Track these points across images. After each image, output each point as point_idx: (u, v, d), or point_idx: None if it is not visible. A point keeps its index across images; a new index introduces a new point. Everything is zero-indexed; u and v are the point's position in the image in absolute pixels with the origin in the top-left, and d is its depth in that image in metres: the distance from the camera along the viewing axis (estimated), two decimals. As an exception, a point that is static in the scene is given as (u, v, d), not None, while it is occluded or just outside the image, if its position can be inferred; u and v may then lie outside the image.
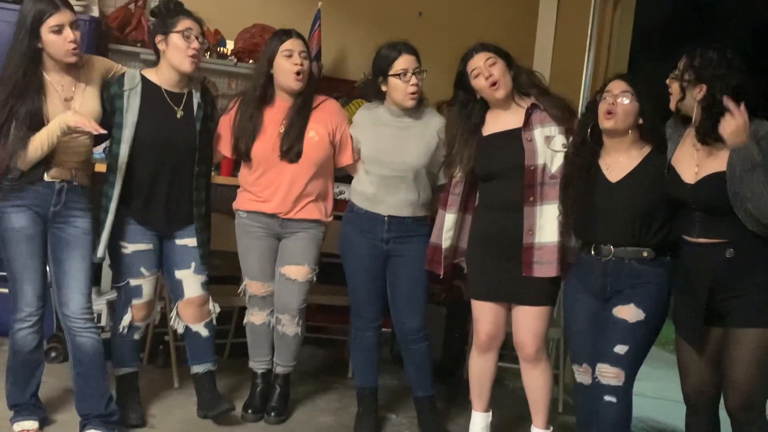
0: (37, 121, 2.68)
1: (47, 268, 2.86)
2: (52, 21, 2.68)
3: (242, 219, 3.25)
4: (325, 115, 3.20)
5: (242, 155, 3.18)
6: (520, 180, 2.88)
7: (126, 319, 3.06)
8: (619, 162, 2.73)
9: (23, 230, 2.73)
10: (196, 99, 3.05)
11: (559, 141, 2.88)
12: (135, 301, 3.05)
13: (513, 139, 2.90)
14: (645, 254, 2.68)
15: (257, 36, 4.34)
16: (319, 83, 3.67)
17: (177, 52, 2.94)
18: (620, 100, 2.66)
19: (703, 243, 2.54)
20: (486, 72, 2.89)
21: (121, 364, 3.13)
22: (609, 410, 2.71)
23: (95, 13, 4.05)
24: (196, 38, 2.95)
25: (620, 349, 2.68)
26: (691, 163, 2.57)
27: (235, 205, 3.28)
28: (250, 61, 4.33)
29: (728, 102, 2.41)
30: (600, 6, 4.11)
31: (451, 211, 3.01)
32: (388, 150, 3.13)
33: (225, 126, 3.21)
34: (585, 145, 2.77)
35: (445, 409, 3.58)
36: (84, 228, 2.83)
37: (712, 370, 2.61)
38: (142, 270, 3.03)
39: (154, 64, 3.06)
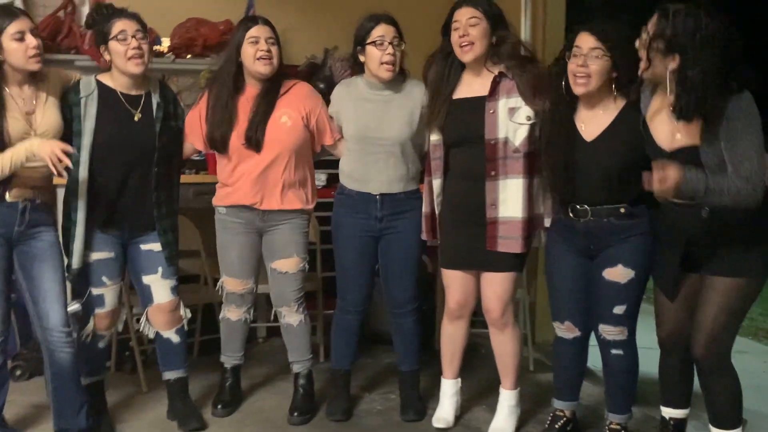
0: None
1: (19, 287, 2.81)
2: (12, 28, 2.64)
3: (221, 215, 3.18)
4: (297, 98, 3.13)
5: (218, 146, 3.09)
6: (482, 151, 2.85)
7: (88, 328, 3.01)
8: (594, 117, 2.68)
9: None
10: (155, 99, 2.98)
11: (524, 113, 2.82)
12: (97, 310, 3.00)
13: (477, 109, 2.87)
14: (622, 210, 2.67)
15: (192, 30, 4.28)
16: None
17: (118, 58, 2.87)
18: (591, 59, 2.57)
19: (680, 203, 2.52)
20: (463, 30, 2.82)
21: (87, 374, 3.07)
22: (618, 361, 2.80)
23: (23, 23, 3.95)
24: (133, 37, 2.86)
25: (619, 309, 2.72)
26: (666, 126, 2.49)
27: (214, 201, 3.21)
28: (188, 56, 4.27)
29: (649, 175, 2.34)
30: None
31: (437, 176, 2.99)
32: (372, 125, 3.08)
33: (195, 120, 3.13)
34: (561, 100, 2.70)
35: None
36: (50, 240, 2.80)
37: (687, 316, 2.63)
38: (104, 279, 2.97)
39: (101, 69, 3.00)
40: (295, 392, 3.30)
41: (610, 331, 2.76)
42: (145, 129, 2.94)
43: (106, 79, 2.96)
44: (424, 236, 3.10)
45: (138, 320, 3.75)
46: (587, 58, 2.58)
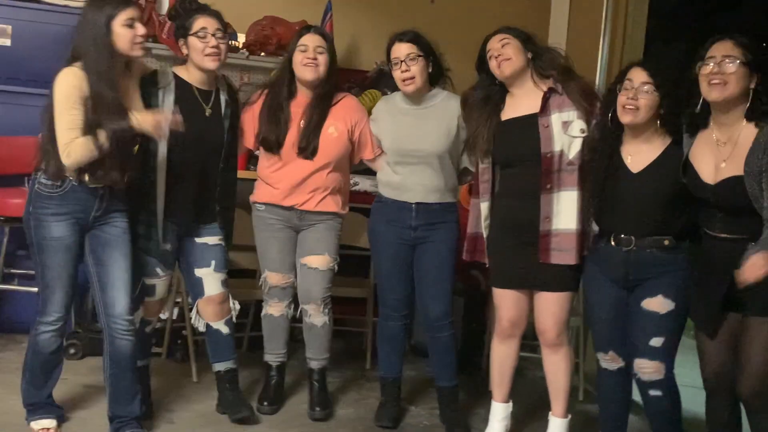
0: None
1: (87, 270, 2.85)
2: (124, 15, 2.69)
3: (260, 212, 3.25)
4: (345, 111, 3.21)
5: (272, 146, 3.17)
6: (537, 167, 2.85)
7: (138, 314, 3.04)
8: (640, 151, 2.68)
9: (63, 239, 2.72)
10: (224, 96, 3.07)
11: (577, 126, 2.83)
12: (147, 299, 3.05)
13: (530, 126, 2.87)
14: (666, 242, 2.64)
15: (268, 28, 4.32)
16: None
17: (196, 54, 2.96)
18: (641, 93, 2.60)
19: (725, 237, 2.49)
20: (497, 51, 2.87)
21: None
22: (657, 404, 2.72)
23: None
24: (213, 35, 2.94)
25: (656, 341, 2.66)
26: (711, 159, 2.50)
27: (253, 197, 3.28)
28: (262, 53, 4.32)
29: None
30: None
31: (485, 199, 2.99)
32: (409, 137, 3.13)
33: (248, 119, 3.21)
34: (606, 131, 2.73)
35: (464, 400, 3.53)
36: (123, 227, 2.84)
37: (731, 355, 2.58)
38: (158, 270, 3.02)
39: (177, 59, 3.07)
40: (311, 387, 3.33)
41: (645, 368, 2.69)
42: (215, 124, 3.02)
43: (181, 72, 3.02)
44: (464, 257, 3.10)
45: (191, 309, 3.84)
46: (637, 92, 2.60)
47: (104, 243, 2.80)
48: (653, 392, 2.71)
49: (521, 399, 3.49)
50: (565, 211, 2.84)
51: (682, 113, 2.60)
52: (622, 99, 2.63)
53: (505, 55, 2.86)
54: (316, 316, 3.26)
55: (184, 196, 2.99)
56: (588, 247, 2.86)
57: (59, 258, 2.73)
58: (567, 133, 2.83)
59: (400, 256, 3.20)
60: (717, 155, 2.50)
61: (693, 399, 2.79)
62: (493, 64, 2.90)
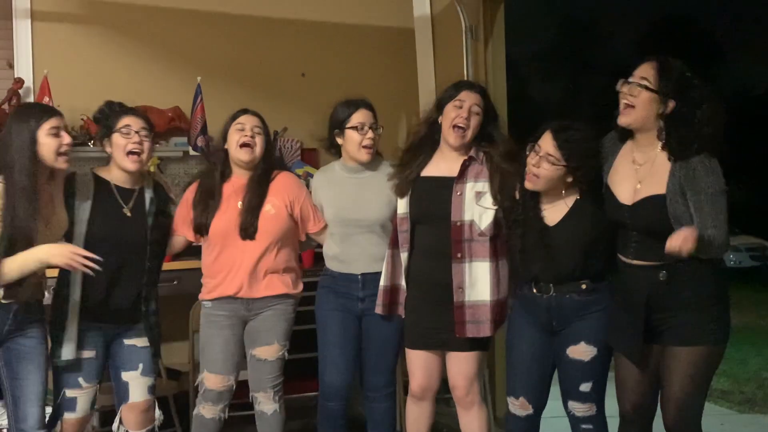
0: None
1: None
2: (49, 124, 2.65)
3: (207, 309, 3.15)
4: (281, 187, 3.17)
5: (202, 229, 3.11)
6: (447, 230, 2.88)
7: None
8: (554, 205, 2.75)
9: None
10: (149, 194, 3.00)
11: (490, 198, 2.87)
12: (67, 415, 2.89)
13: (444, 188, 2.91)
14: (583, 286, 2.71)
15: (141, 117, 4.27)
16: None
17: (118, 151, 2.91)
18: (544, 163, 2.65)
19: (638, 265, 2.59)
20: (465, 113, 2.86)
21: None
22: None
23: (-34, 117, 3.91)
24: (137, 133, 2.90)
25: (585, 386, 2.73)
26: (630, 181, 2.58)
27: (201, 296, 3.18)
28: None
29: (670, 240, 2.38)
30: (472, 48, 4.24)
31: (405, 250, 2.99)
32: (350, 206, 3.12)
33: (183, 211, 3.15)
34: (524, 189, 2.77)
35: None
36: (39, 337, 2.73)
37: (650, 386, 2.66)
38: (81, 380, 2.88)
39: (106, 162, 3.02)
40: None
41: (578, 408, 2.77)
42: (136, 223, 2.95)
43: (102, 172, 2.98)
44: (378, 310, 3.07)
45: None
46: (542, 160, 2.66)
47: (19, 356, 2.69)
48: (585, 426, 2.77)
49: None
50: (479, 281, 2.86)
51: (591, 171, 2.67)
52: (528, 164, 2.70)
53: (467, 125, 2.86)
54: (266, 404, 3.17)
55: (105, 300, 2.88)
56: (506, 312, 2.92)
57: None
58: (479, 203, 2.87)
59: (347, 328, 3.14)
60: (634, 177, 2.58)
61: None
62: (451, 115, 2.87)
